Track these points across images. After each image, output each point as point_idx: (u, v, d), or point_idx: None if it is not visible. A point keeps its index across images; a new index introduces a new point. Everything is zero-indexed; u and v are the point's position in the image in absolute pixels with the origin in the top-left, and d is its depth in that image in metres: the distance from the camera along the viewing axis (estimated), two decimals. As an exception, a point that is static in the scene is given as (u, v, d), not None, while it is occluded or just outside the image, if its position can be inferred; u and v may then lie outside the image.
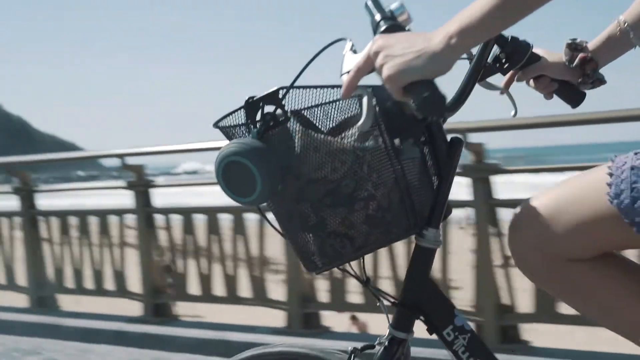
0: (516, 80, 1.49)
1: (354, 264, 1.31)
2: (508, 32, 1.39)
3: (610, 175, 1.08)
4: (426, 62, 1.03)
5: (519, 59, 1.42)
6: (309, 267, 1.27)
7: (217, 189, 1.22)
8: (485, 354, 1.28)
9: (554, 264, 1.28)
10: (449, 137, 1.26)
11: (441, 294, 1.31)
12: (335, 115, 1.20)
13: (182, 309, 5.04)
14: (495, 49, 1.40)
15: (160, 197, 5.10)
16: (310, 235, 1.24)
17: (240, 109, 1.20)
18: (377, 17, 1.16)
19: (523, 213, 1.31)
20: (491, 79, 1.43)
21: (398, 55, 1.04)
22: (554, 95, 1.49)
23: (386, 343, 1.29)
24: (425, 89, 1.05)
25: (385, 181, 1.19)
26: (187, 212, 4.85)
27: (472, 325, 1.47)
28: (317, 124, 1.20)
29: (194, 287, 4.77)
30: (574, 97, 1.49)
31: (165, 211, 5.03)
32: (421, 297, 1.28)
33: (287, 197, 1.22)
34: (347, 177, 1.18)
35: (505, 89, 1.48)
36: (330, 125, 1.20)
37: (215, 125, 1.24)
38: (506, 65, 1.43)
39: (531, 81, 1.49)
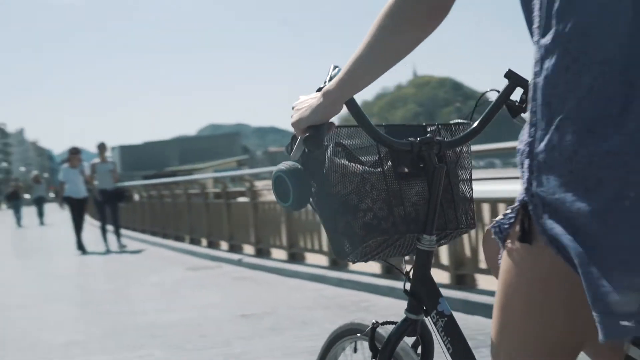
0: None
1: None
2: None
3: None
4: (310, 113, 1.52)
5: None
6: (337, 255, 1.71)
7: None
8: (457, 334, 1.59)
9: None
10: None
11: (434, 286, 1.66)
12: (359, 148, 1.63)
13: None
14: (519, 91, 1.66)
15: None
16: (331, 233, 1.68)
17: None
18: (325, 79, 1.57)
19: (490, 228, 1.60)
20: (525, 116, 1.59)
21: (299, 109, 1.55)
22: None
23: (399, 322, 1.72)
24: (310, 131, 1.51)
25: (382, 197, 1.60)
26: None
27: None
28: (356, 154, 1.62)
29: None
30: None
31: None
32: (421, 287, 1.67)
33: (317, 206, 1.68)
34: (353, 193, 1.59)
35: None
36: (373, 159, 1.62)
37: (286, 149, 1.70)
38: (525, 105, 1.63)
39: None
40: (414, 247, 1.67)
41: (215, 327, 5.85)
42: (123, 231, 14.38)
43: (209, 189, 13.99)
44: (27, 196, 53.21)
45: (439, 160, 1.63)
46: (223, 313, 6.47)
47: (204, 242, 12.98)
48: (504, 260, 1.27)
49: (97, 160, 13.99)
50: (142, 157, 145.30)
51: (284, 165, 1.63)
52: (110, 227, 14.47)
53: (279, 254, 9.84)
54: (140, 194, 18.50)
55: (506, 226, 1.23)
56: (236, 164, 76.43)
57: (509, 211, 1.24)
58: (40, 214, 29.11)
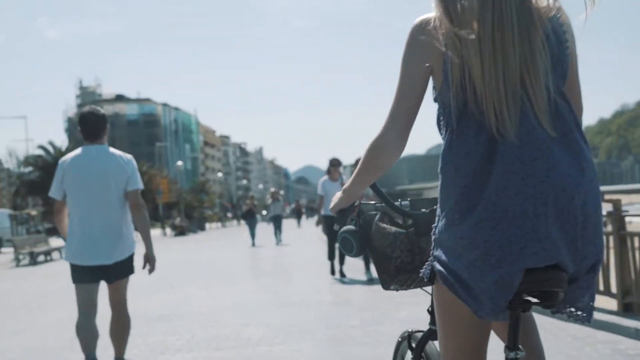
0: None
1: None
2: None
3: None
4: (337, 202, 2.54)
5: None
6: (382, 286, 2.62)
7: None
8: None
9: None
10: None
11: None
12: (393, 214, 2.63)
13: None
14: None
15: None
16: (377, 272, 2.62)
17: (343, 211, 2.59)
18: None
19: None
20: None
21: (334, 200, 2.56)
22: None
23: (425, 331, 2.83)
24: (338, 214, 2.57)
25: (407, 248, 2.51)
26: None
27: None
28: (395, 218, 2.61)
29: None
30: None
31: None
32: None
33: (370, 254, 2.63)
34: (388, 247, 2.52)
35: None
36: (408, 222, 2.55)
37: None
38: None
39: None
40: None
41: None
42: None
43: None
44: (264, 212, 54.84)
45: None
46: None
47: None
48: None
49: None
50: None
51: (345, 228, 2.60)
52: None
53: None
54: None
55: (428, 272, 2.19)
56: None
57: (427, 264, 2.21)
58: (278, 232, 29.45)
